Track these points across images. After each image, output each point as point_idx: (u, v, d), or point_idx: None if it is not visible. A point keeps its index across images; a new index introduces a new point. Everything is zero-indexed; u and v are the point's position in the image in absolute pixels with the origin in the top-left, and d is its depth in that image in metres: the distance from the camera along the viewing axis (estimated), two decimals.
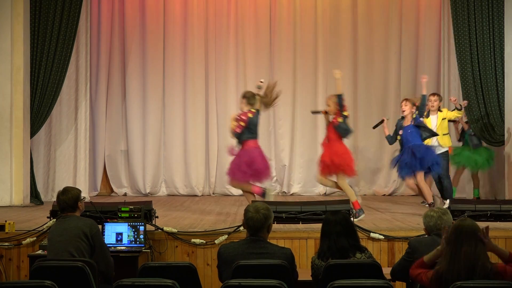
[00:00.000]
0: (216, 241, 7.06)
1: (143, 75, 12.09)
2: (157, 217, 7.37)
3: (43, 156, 11.32)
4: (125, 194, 12.02)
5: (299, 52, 12.20)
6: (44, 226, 7.10)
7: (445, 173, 9.51)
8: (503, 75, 10.42)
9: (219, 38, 12.16)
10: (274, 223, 7.17)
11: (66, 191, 5.47)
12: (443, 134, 9.66)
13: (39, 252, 6.37)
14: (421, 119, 8.80)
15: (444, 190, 9.48)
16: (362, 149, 12.15)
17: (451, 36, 11.00)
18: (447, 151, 9.70)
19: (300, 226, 7.30)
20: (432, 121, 9.68)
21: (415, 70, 12.12)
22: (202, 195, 11.99)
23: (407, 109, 8.75)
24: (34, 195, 10.48)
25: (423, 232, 6.81)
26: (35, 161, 10.77)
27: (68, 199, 5.39)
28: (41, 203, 10.41)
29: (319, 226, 7.21)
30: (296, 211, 7.39)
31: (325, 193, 12.03)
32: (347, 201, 7.66)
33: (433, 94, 9.88)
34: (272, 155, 12.10)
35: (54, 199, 10.25)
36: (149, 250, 6.78)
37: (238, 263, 4.48)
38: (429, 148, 8.79)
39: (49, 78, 10.46)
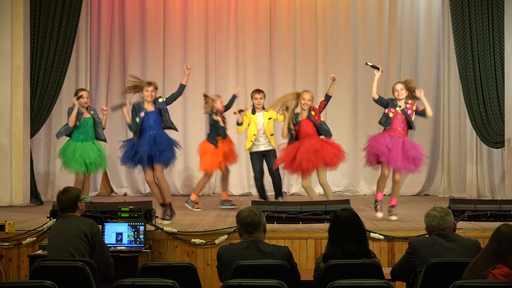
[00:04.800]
0: (216, 241, 7.06)
1: (143, 75, 12.04)
2: (157, 217, 7.36)
3: (43, 156, 11.33)
4: (125, 194, 12.02)
5: (299, 52, 12.20)
6: (44, 226, 7.10)
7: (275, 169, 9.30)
8: (503, 75, 10.42)
9: (219, 38, 12.17)
10: (274, 223, 7.26)
11: (66, 191, 5.47)
12: (270, 135, 9.39)
13: (39, 252, 6.37)
14: None
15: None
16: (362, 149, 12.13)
17: (451, 36, 11.00)
18: (275, 149, 9.40)
19: (300, 226, 7.30)
20: (259, 119, 9.40)
21: (415, 70, 12.12)
22: (202, 195, 11.97)
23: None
24: (34, 195, 10.47)
25: (423, 232, 6.83)
26: (35, 161, 10.77)
27: (68, 199, 5.38)
28: (41, 203, 10.41)
29: (319, 226, 7.26)
30: (296, 211, 7.39)
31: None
32: (347, 201, 7.64)
33: (258, 91, 9.47)
34: None
35: (54, 199, 10.26)
36: (149, 250, 6.78)
37: (238, 263, 4.48)
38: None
39: (49, 78, 10.46)
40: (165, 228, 7.16)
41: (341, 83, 12.06)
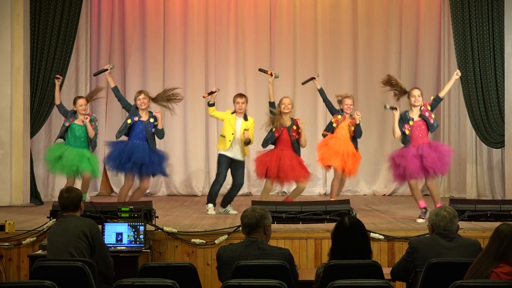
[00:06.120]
0: (216, 241, 7.05)
1: (143, 75, 12.09)
2: (157, 217, 7.37)
3: (43, 156, 11.31)
4: None
5: (299, 52, 12.20)
6: (44, 226, 7.10)
7: (243, 181, 9.12)
8: (503, 75, 10.42)
9: (219, 38, 12.17)
10: (274, 223, 7.25)
11: (70, 189, 5.48)
12: (244, 143, 8.86)
13: (39, 252, 6.37)
14: None
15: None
16: (362, 149, 12.13)
17: (451, 36, 11.01)
18: (244, 161, 9.02)
19: (300, 226, 7.29)
20: (237, 123, 8.93)
21: (415, 70, 12.12)
22: (202, 195, 11.98)
23: None
24: (34, 195, 10.47)
25: (423, 232, 6.84)
26: (35, 161, 10.77)
27: (73, 197, 5.39)
28: (41, 203, 10.40)
29: (319, 226, 7.26)
30: (296, 211, 7.39)
31: (325, 193, 12.03)
32: (347, 201, 7.63)
33: (241, 96, 9.09)
34: None
35: (54, 199, 10.24)
36: (149, 250, 6.77)
37: (238, 264, 4.48)
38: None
39: (49, 78, 10.45)
40: (165, 228, 7.16)
41: (341, 83, 12.06)
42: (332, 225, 4.94)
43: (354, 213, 7.25)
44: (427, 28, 12.07)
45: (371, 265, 4.57)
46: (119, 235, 6.52)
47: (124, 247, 6.48)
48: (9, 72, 10.18)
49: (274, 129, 8.93)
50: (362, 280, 4.20)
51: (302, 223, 7.33)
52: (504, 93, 10.39)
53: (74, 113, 9.25)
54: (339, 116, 9.21)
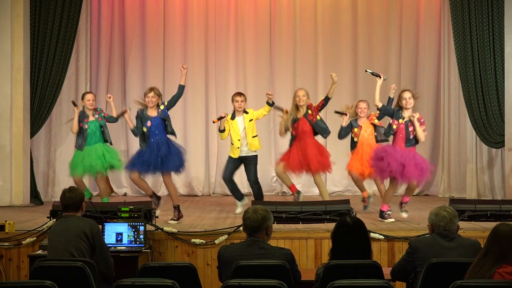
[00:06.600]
0: (216, 241, 7.06)
1: (143, 75, 12.10)
2: (157, 217, 7.37)
3: (43, 156, 11.33)
4: (125, 194, 12.02)
5: (299, 52, 12.21)
6: (44, 226, 7.11)
7: (254, 178, 9.02)
8: (503, 75, 10.43)
9: (219, 38, 12.17)
10: (274, 223, 7.25)
11: (73, 189, 5.47)
12: (252, 137, 8.93)
13: (39, 252, 6.38)
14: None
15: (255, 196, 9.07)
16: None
17: (451, 36, 11.01)
18: (256, 155, 9.03)
19: (300, 226, 7.30)
20: (239, 123, 8.95)
21: (415, 70, 12.13)
22: (202, 195, 12.00)
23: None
24: (34, 195, 10.48)
25: (423, 232, 6.84)
26: (35, 161, 10.78)
27: (76, 197, 5.38)
28: (41, 203, 10.41)
29: (319, 226, 7.26)
30: (296, 211, 7.39)
31: None
32: (347, 201, 7.64)
33: (239, 94, 9.11)
34: (272, 155, 12.11)
35: (54, 199, 10.25)
36: (149, 250, 6.78)
37: (238, 263, 4.48)
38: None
39: (49, 78, 10.46)
40: (165, 228, 7.16)
41: (341, 83, 12.04)
42: (332, 225, 4.93)
43: (354, 213, 7.23)
44: (427, 28, 12.07)
45: (371, 265, 4.57)
46: (119, 235, 6.53)
47: (124, 247, 6.49)
48: (9, 72, 10.19)
49: (290, 129, 8.83)
50: (362, 280, 4.20)
51: (302, 223, 7.33)
52: (504, 93, 10.39)
53: (82, 114, 9.06)
54: (356, 129, 9.15)
